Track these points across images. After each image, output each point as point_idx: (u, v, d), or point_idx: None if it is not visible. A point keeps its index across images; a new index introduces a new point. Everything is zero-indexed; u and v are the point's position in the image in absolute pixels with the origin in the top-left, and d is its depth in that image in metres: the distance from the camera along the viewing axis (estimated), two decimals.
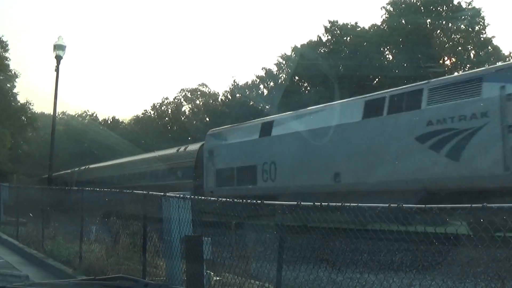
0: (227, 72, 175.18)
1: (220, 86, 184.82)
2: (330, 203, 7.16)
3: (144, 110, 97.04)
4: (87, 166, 53.34)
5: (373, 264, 10.39)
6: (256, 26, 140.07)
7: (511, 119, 15.40)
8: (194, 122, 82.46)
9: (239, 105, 64.64)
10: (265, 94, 66.93)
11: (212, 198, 9.90)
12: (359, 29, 59.24)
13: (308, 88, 59.12)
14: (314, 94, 53.96)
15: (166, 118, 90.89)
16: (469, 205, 5.38)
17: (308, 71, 54.95)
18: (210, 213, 10.52)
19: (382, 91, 22.35)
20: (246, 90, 69.05)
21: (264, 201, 8.34)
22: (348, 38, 58.67)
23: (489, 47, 52.34)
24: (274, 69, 67.02)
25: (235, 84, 71.69)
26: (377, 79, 54.13)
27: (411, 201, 10.21)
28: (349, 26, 59.60)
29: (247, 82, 70.71)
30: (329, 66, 51.99)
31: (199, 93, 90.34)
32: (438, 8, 53.49)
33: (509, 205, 5.20)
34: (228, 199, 9.25)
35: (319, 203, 7.20)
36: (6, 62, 52.97)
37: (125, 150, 57.97)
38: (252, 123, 28.20)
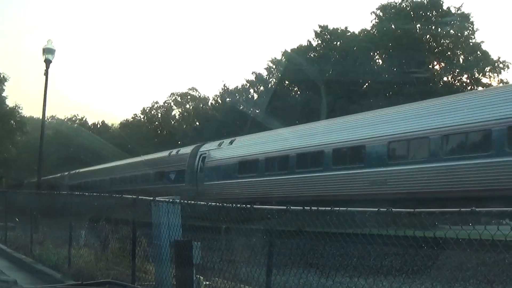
0: (217, 76, 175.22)
1: (210, 91, 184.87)
2: (319, 208, 7.16)
3: (134, 114, 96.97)
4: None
5: (362, 268, 10.39)
6: (247, 31, 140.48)
7: None
8: (184, 126, 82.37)
9: (229, 109, 64.59)
10: (255, 98, 66.88)
11: (201, 203, 9.88)
12: (349, 34, 59.34)
13: (299, 92, 59.18)
14: (302, 99, 54.04)
15: (156, 122, 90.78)
16: (458, 209, 5.38)
17: (297, 76, 54.99)
18: (200, 217, 10.50)
19: None
20: (236, 95, 68.96)
21: (254, 205, 8.32)
22: (338, 42, 58.77)
23: (478, 52, 52.52)
24: (264, 73, 67.05)
25: (225, 88, 71.69)
26: (366, 84, 54.25)
27: None
28: (339, 30, 59.70)
29: (237, 87, 70.67)
30: (318, 70, 52.06)
31: (189, 97, 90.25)
32: (428, 13, 53.70)
33: (498, 209, 5.21)
34: (217, 203, 9.24)
35: (308, 208, 7.20)
36: None
37: (113, 154, 57.84)
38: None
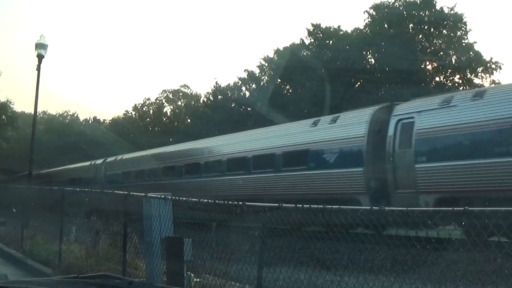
0: (209, 73, 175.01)
1: (202, 88, 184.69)
2: (312, 205, 7.15)
3: (126, 111, 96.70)
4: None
5: (353, 267, 10.40)
6: (239, 28, 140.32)
7: None
8: (176, 123, 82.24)
9: (221, 106, 64.49)
10: (247, 96, 66.81)
11: (193, 199, 9.84)
12: (342, 32, 59.32)
13: (290, 90, 59.13)
14: (297, 97, 54.03)
15: (148, 119, 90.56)
16: (451, 208, 5.38)
17: (293, 74, 54.91)
18: (191, 214, 10.48)
19: None
20: (228, 92, 68.86)
21: (246, 203, 8.30)
22: (331, 41, 58.75)
23: (471, 53, 52.57)
24: (257, 71, 66.96)
25: (217, 85, 71.52)
26: (359, 83, 54.29)
27: None
28: (331, 29, 59.66)
29: (229, 84, 70.57)
30: (311, 69, 52.06)
31: (181, 94, 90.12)
32: (421, 13, 53.71)
33: (491, 209, 5.21)
34: (209, 200, 9.22)
35: (301, 205, 7.19)
36: None
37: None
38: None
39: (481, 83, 52.05)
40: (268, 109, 50.12)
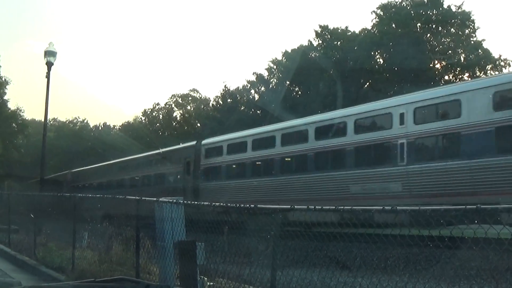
0: (218, 77, 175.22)
1: (211, 91, 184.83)
2: (323, 207, 7.13)
3: (135, 116, 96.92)
4: None
5: (366, 267, 10.37)
6: (247, 31, 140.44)
7: None
8: (186, 128, 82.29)
9: (231, 110, 64.46)
10: (256, 98, 66.76)
11: (205, 203, 9.85)
12: (350, 33, 59.26)
13: (300, 92, 59.08)
14: (308, 98, 53.95)
15: (157, 124, 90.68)
16: (463, 206, 5.35)
17: (302, 75, 54.84)
18: (204, 217, 10.49)
19: None
20: (237, 95, 68.84)
21: (258, 205, 8.28)
22: (339, 42, 58.69)
23: (479, 50, 52.37)
24: (265, 74, 66.93)
25: (226, 89, 71.52)
26: (368, 83, 54.18)
27: None
28: (339, 30, 59.62)
29: (238, 87, 70.55)
30: (321, 70, 52.02)
31: (190, 98, 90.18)
32: (428, 12, 53.58)
33: (504, 206, 5.18)
34: (221, 204, 9.21)
35: (312, 207, 7.16)
36: None
37: (114, 155, 57.60)
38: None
39: None
40: (280, 111, 49.98)
